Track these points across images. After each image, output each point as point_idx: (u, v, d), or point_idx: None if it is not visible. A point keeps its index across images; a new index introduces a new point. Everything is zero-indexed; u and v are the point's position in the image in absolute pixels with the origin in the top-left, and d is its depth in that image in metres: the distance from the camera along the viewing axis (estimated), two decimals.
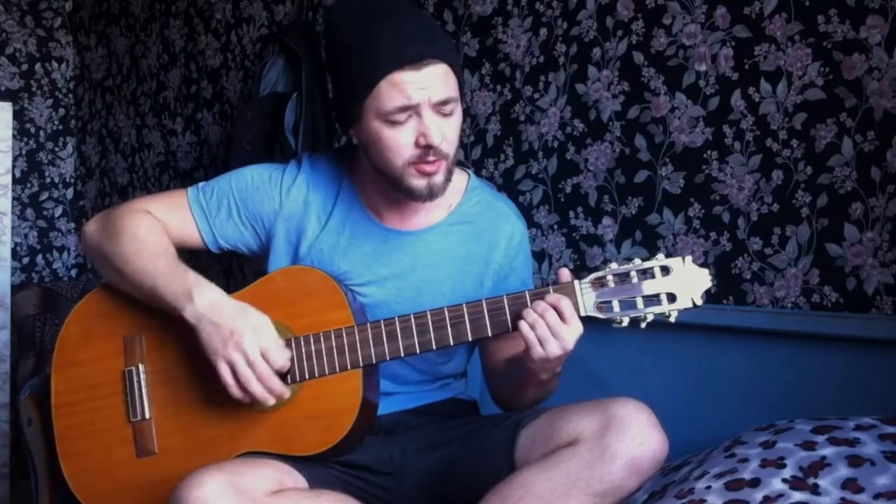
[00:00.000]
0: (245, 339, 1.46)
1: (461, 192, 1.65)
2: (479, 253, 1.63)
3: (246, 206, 1.64)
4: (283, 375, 1.51)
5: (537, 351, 1.42)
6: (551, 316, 1.41)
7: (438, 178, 1.51)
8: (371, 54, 1.45)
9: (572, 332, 1.42)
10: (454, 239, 1.62)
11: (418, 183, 1.50)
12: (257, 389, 1.47)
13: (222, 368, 1.47)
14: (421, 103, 1.46)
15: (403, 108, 1.46)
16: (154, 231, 1.60)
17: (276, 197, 1.63)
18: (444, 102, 1.48)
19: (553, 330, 1.41)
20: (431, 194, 1.52)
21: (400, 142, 1.48)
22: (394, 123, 1.47)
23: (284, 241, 1.63)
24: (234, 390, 1.48)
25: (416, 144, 1.48)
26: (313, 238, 1.62)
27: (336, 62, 1.53)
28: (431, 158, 1.49)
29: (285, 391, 1.50)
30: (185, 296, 1.50)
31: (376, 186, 1.59)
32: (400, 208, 1.61)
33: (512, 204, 1.73)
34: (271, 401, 1.49)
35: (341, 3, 1.59)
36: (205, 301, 1.49)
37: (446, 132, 1.49)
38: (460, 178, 1.67)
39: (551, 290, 1.44)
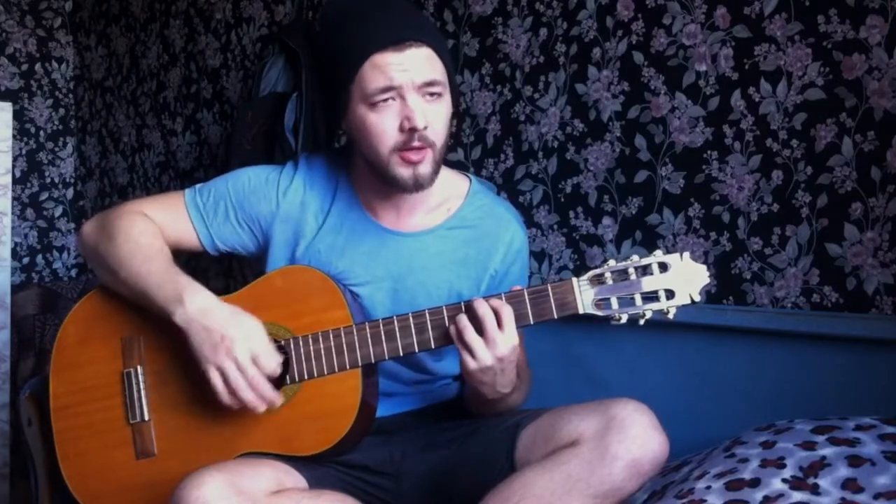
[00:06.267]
0: (236, 346, 1.45)
1: (462, 196, 1.65)
2: (478, 258, 1.62)
3: (243, 208, 1.64)
4: (280, 376, 1.51)
5: (469, 361, 1.41)
6: (490, 320, 1.41)
7: (424, 169, 1.50)
8: (355, 40, 1.47)
9: (506, 340, 1.41)
10: (452, 243, 1.62)
11: (404, 172, 1.50)
12: (248, 396, 1.46)
13: (212, 375, 1.46)
14: (404, 85, 1.45)
15: (386, 89, 1.46)
16: (148, 233, 1.59)
17: (273, 198, 1.63)
18: (429, 84, 1.47)
19: (487, 335, 1.40)
20: (417, 185, 1.51)
21: (384, 126, 1.47)
22: (377, 106, 1.47)
23: (282, 242, 1.63)
24: (225, 397, 1.47)
25: (401, 129, 1.47)
26: (311, 238, 1.62)
27: (326, 54, 1.54)
28: (416, 144, 1.47)
29: (277, 398, 1.49)
30: (175, 299, 1.50)
31: (371, 184, 1.59)
32: (397, 208, 1.61)
33: (514, 210, 1.73)
34: (262, 407, 1.48)
35: (333, 1, 1.60)
36: (195, 305, 1.49)
37: (432, 119, 1.48)
38: (461, 182, 1.67)
39: (550, 290, 1.44)
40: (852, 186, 1.72)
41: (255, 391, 1.46)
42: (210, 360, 1.46)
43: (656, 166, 2.00)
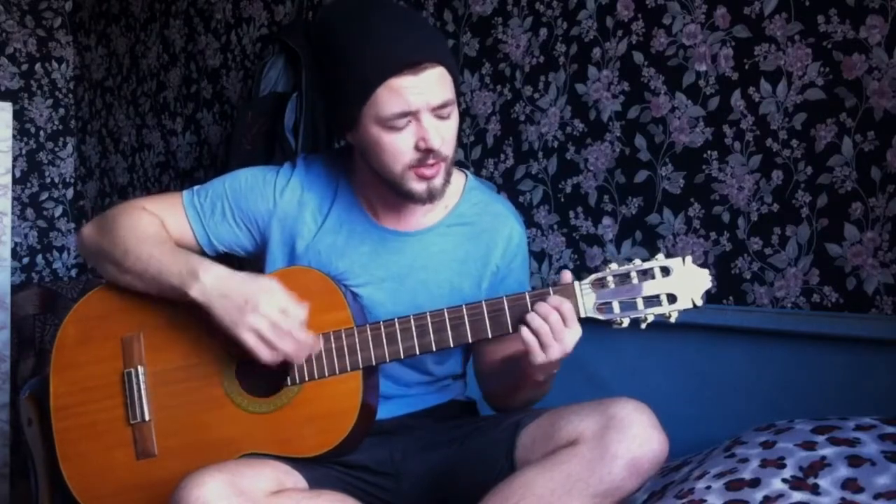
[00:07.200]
0: (261, 303, 1.45)
1: (458, 192, 1.65)
2: (478, 254, 1.62)
3: (240, 207, 1.64)
4: (283, 376, 1.51)
5: (539, 356, 1.42)
6: (554, 319, 1.41)
7: (438, 181, 1.51)
8: (367, 59, 1.45)
9: (573, 335, 1.42)
10: (452, 240, 1.62)
11: (418, 187, 1.50)
12: (288, 346, 1.46)
13: (246, 336, 1.45)
14: (420, 109, 1.45)
15: (403, 114, 1.45)
16: (153, 223, 1.61)
17: (271, 197, 1.63)
18: (443, 105, 1.47)
19: (555, 333, 1.41)
20: (431, 197, 1.52)
21: (400, 146, 1.48)
22: (393, 129, 1.47)
23: (280, 242, 1.63)
24: (265, 354, 1.46)
25: (416, 148, 1.47)
26: (310, 238, 1.62)
27: (331, 66, 1.52)
28: (431, 161, 1.48)
29: (316, 343, 1.49)
30: (190, 275, 1.50)
31: (374, 188, 1.59)
32: (397, 209, 1.61)
33: (510, 205, 1.73)
34: (304, 355, 1.48)
35: (333, 5, 1.58)
36: (210, 277, 1.49)
37: (445, 134, 1.49)
38: (458, 178, 1.66)
39: (551, 292, 1.44)
40: (852, 186, 1.72)
41: (295, 339, 1.46)
42: (239, 323, 1.46)
43: (656, 166, 2.00)
